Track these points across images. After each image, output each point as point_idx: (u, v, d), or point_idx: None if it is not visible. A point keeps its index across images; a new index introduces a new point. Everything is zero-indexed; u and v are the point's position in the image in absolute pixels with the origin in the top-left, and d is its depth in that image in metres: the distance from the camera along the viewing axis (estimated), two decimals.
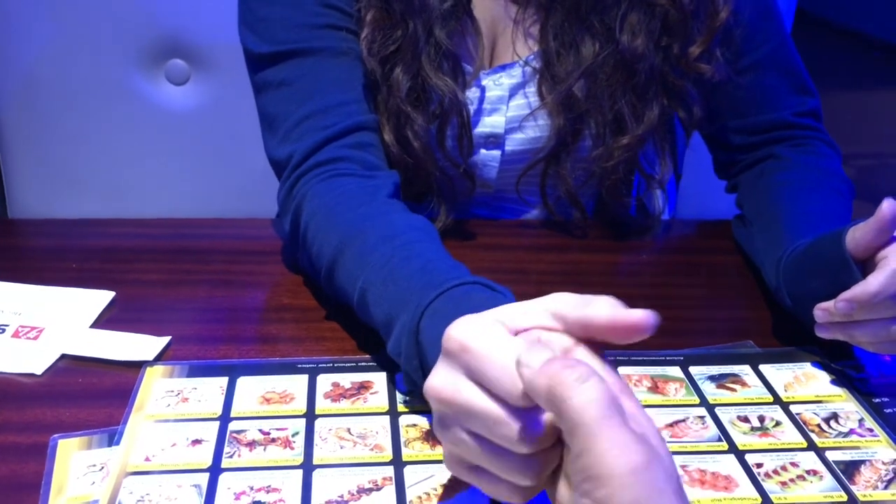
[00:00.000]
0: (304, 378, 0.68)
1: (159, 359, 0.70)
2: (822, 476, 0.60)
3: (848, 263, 0.66)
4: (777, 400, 0.68)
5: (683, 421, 0.65)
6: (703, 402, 0.68)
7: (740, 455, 0.62)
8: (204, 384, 0.67)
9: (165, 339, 0.72)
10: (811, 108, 0.95)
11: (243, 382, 0.67)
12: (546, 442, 0.45)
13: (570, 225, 0.96)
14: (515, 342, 0.47)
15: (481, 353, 0.46)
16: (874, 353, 0.69)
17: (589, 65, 0.85)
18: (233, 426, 0.63)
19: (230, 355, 0.71)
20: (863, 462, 0.62)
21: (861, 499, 0.58)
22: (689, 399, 0.68)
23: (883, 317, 0.65)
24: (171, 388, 0.66)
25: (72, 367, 0.70)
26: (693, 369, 0.71)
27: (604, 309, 0.47)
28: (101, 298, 0.79)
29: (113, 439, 0.61)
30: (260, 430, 0.62)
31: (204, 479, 0.58)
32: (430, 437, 0.62)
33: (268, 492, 0.57)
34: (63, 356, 0.71)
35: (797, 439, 0.64)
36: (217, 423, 0.63)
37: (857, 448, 0.63)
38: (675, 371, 0.71)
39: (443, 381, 0.48)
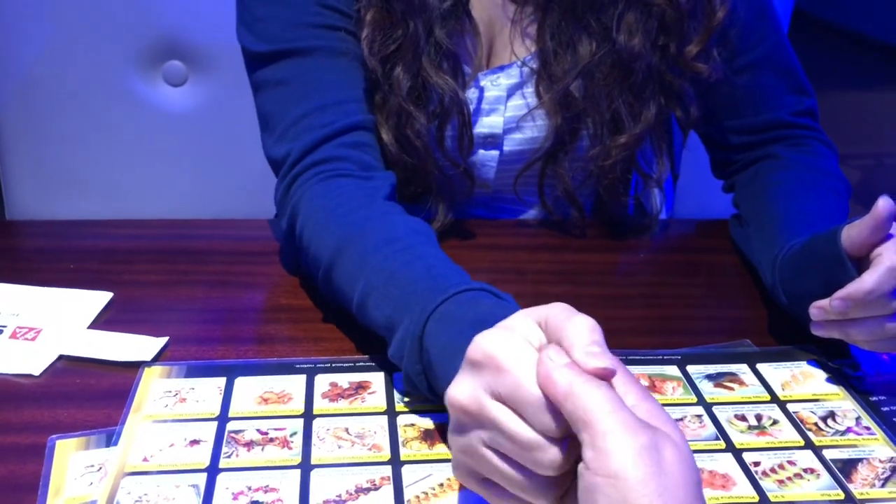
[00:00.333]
0: (302, 378, 0.68)
1: (157, 359, 0.70)
2: (819, 474, 0.60)
3: (843, 261, 0.66)
4: (774, 398, 0.68)
5: (681, 420, 0.65)
6: (701, 400, 0.68)
7: (738, 453, 0.62)
8: (202, 384, 0.67)
9: (163, 340, 0.72)
10: (808, 107, 0.95)
11: (241, 383, 0.67)
12: (567, 465, 0.45)
13: (568, 224, 0.96)
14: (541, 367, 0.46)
15: (519, 381, 0.45)
16: (870, 350, 0.69)
17: (586, 64, 0.85)
18: (231, 426, 0.63)
19: (228, 356, 0.71)
20: (860, 460, 0.62)
21: (858, 497, 0.58)
22: (687, 398, 0.68)
23: (878, 314, 0.65)
24: (169, 388, 0.67)
25: (70, 368, 0.70)
26: (690, 368, 0.71)
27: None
28: (98, 299, 0.79)
29: (111, 440, 0.61)
30: (258, 431, 0.62)
31: (202, 479, 0.58)
32: (427, 436, 0.62)
33: (266, 491, 0.57)
34: (61, 357, 0.71)
35: (794, 438, 0.64)
36: (215, 424, 0.63)
37: (855, 446, 0.63)
38: (673, 370, 0.71)
39: (469, 393, 0.47)
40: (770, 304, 0.81)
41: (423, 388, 0.61)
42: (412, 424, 0.63)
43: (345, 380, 0.68)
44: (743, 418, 0.66)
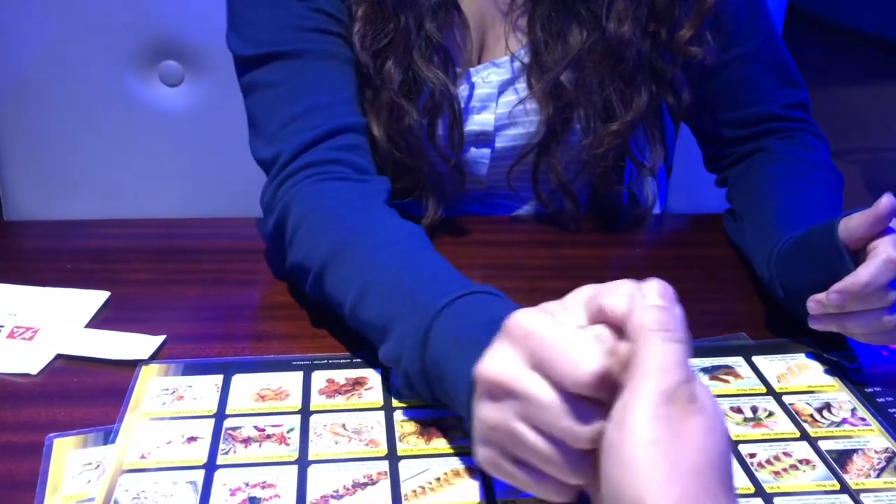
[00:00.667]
0: (299, 375, 0.68)
1: (154, 357, 0.70)
2: (814, 465, 0.60)
3: (841, 253, 0.67)
4: (770, 391, 0.68)
5: None
6: None
7: (733, 445, 0.62)
8: (199, 382, 0.67)
9: (160, 338, 0.72)
10: (799, 100, 0.95)
11: (238, 380, 0.68)
12: (601, 438, 0.44)
13: (563, 219, 0.96)
14: (579, 333, 0.46)
15: (547, 340, 0.45)
16: (868, 343, 0.70)
17: (576, 53, 0.85)
18: (228, 423, 0.63)
19: (225, 353, 0.72)
20: (855, 451, 0.62)
21: (854, 487, 0.58)
22: None
23: (875, 307, 0.65)
24: (167, 386, 0.67)
25: (67, 367, 0.70)
26: None
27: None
28: (95, 298, 0.79)
29: (108, 438, 0.61)
30: (255, 427, 0.62)
31: (199, 475, 0.58)
32: (424, 431, 0.62)
33: (263, 487, 0.57)
34: (58, 356, 0.71)
35: (790, 429, 0.64)
36: (212, 421, 0.63)
37: (850, 437, 0.63)
38: None
39: (502, 365, 0.47)
40: (765, 297, 0.81)
41: (419, 388, 0.60)
42: (409, 419, 0.64)
43: (341, 376, 0.68)
44: (739, 410, 0.66)
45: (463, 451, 0.60)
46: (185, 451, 0.60)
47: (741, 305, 0.83)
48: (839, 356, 0.73)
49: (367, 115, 0.84)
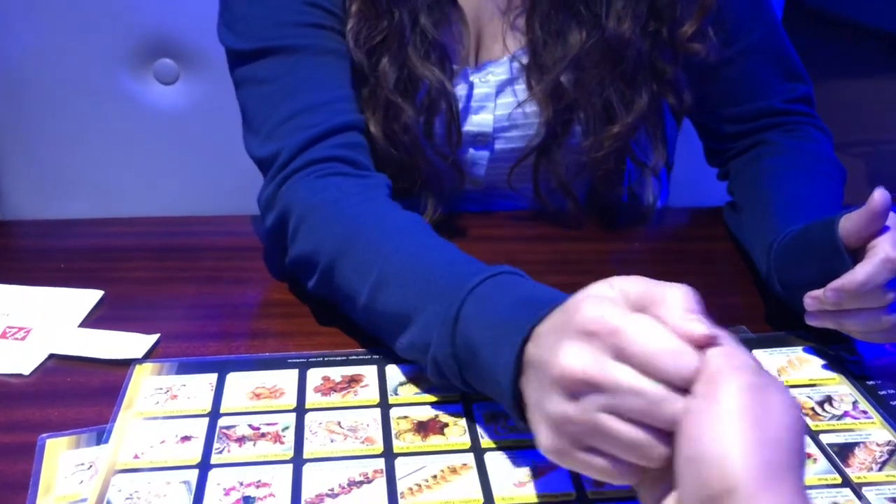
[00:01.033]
0: (295, 373, 0.68)
1: (148, 356, 0.70)
2: (816, 459, 0.60)
3: (839, 251, 0.66)
4: None
5: None
6: None
7: None
8: (193, 381, 0.67)
9: (154, 337, 0.72)
10: (802, 94, 0.94)
11: (233, 378, 0.67)
12: None
13: (563, 215, 0.95)
14: (661, 325, 0.46)
15: (637, 337, 0.45)
16: (865, 342, 0.69)
17: (576, 53, 0.84)
18: (222, 422, 0.62)
19: (219, 352, 0.71)
20: (857, 444, 0.61)
21: (855, 480, 0.58)
22: None
23: (872, 306, 0.65)
24: (160, 385, 0.66)
25: (60, 367, 0.69)
26: None
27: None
28: (89, 298, 0.78)
29: (101, 438, 0.60)
30: (250, 426, 0.62)
31: (193, 475, 0.57)
32: (420, 428, 0.62)
33: (258, 486, 0.56)
34: (51, 356, 0.70)
35: None
36: (206, 420, 0.62)
37: (852, 430, 0.63)
38: None
39: (589, 360, 0.46)
40: (766, 291, 0.80)
41: (450, 374, 0.59)
42: (405, 417, 0.63)
43: (337, 373, 0.68)
44: None
45: (459, 448, 0.59)
46: (178, 451, 0.59)
47: (741, 299, 0.82)
48: (839, 349, 0.72)
49: (365, 113, 0.84)
